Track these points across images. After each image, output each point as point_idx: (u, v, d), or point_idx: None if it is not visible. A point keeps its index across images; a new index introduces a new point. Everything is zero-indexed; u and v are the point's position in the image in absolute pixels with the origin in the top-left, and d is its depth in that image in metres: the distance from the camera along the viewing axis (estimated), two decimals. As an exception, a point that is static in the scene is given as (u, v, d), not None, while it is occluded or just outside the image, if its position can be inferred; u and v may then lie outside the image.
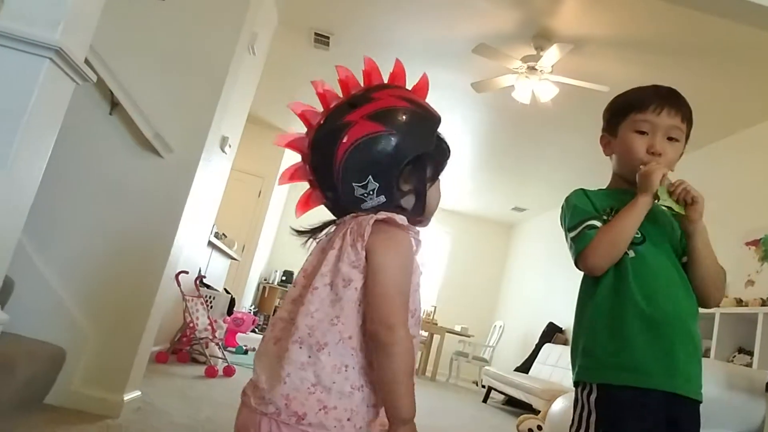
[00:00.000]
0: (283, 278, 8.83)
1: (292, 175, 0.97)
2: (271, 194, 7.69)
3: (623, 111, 1.22)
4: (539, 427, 3.74)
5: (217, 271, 5.28)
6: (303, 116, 0.96)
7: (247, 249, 7.48)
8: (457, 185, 7.91)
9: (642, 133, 1.18)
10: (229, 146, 4.11)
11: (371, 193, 0.90)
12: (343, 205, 0.94)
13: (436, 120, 0.95)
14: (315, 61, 5.16)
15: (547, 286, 7.31)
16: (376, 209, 0.91)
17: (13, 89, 1.07)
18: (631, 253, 1.13)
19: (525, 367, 6.42)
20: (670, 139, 1.18)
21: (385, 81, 0.99)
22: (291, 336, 0.86)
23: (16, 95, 1.07)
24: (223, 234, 5.79)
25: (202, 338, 3.67)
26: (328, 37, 4.68)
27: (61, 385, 2.09)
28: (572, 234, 1.17)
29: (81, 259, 2.21)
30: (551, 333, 6.73)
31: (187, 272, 3.68)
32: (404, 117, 0.91)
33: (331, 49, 4.85)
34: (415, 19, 4.15)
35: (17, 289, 2.10)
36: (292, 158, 6.81)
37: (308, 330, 0.85)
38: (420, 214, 0.96)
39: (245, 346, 5.18)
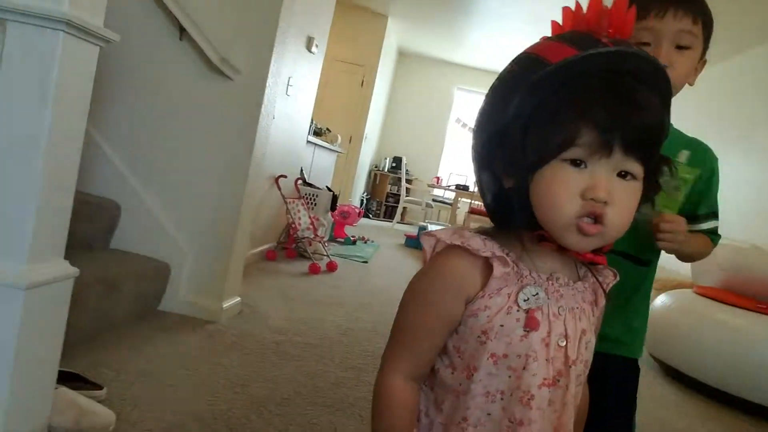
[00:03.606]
0: (393, 165, 8.97)
1: None
2: (373, 82, 7.61)
3: None
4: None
5: (323, 166, 5.48)
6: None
7: (355, 139, 7.62)
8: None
9: (645, 44, 0.97)
10: (316, 45, 4.07)
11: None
12: None
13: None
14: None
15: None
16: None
17: (34, 62, 1.13)
18: None
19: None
20: (680, 48, 0.97)
21: None
22: None
23: (39, 68, 1.13)
24: (327, 129, 5.91)
25: (304, 237, 3.91)
26: None
27: (170, 293, 2.38)
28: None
29: (171, 181, 2.39)
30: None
31: (285, 176, 3.86)
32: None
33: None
34: None
35: (123, 214, 2.36)
36: (391, 45, 6.75)
37: None
38: (521, 224, 0.64)
39: (353, 236, 5.46)
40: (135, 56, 2.36)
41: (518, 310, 0.63)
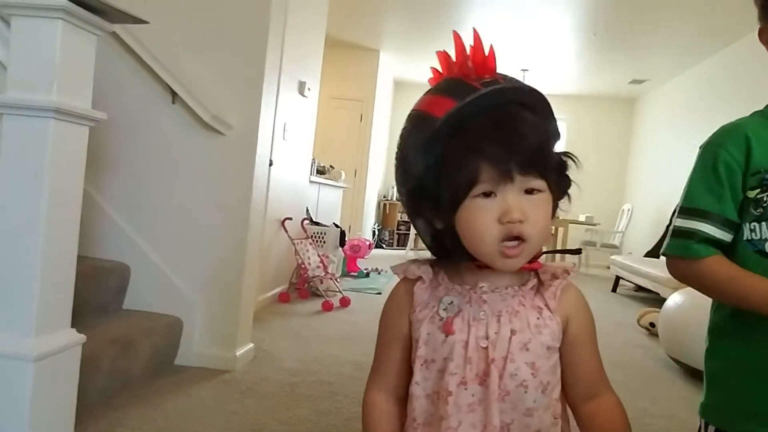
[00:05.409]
0: (401, 193, 9.04)
1: None
2: (372, 115, 7.76)
3: None
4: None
5: (330, 203, 5.57)
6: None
7: (359, 173, 7.74)
8: (561, 69, 7.38)
9: None
10: (308, 89, 4.19)
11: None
12: None
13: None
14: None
15: (678, 160, 6.71)
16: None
17: (28, 150, 1.22)
18: None
19: (656, 252, 6.11)
20: None
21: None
22: None
23: (33, 154, 1.22)
24: (330, 166, 6.03)
25: (315, 276, 3.98)
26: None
27: (184, 347, 2.44)
28: (677, 221, 0.89)
29: (176, 238, 2.48)
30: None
31: (290, 218, 3.95)
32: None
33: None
34: None
35: (133, 274, 2.45)
36: (385, 78, 6.94)
37: None
38: (460, 258, 0.71)
39: (366, 269, 5.52)
40: (132, 123, 2.48)
41: (440, 319, 0.71)
